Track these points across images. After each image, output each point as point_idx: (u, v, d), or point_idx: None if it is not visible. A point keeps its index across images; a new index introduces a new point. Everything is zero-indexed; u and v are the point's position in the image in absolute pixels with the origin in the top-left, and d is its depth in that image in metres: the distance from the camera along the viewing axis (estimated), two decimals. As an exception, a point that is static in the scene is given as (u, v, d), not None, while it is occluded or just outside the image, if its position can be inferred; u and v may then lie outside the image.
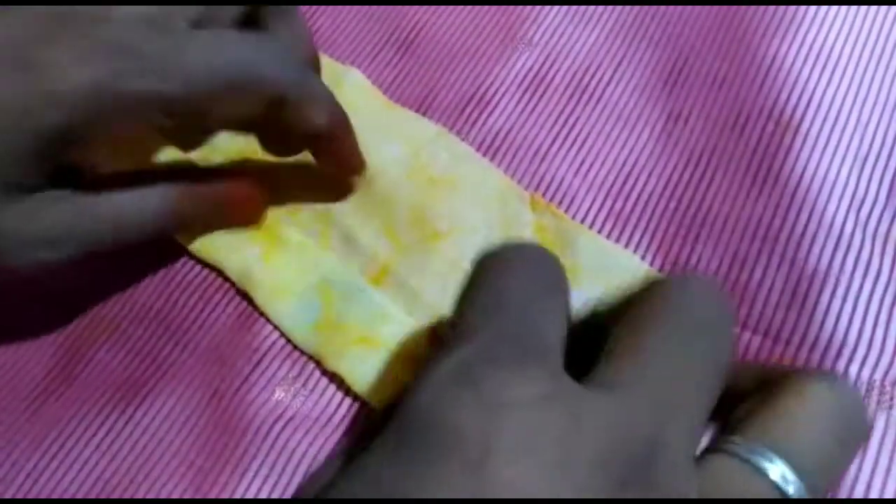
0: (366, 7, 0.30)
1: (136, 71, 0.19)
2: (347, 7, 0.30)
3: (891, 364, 0.21)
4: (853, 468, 0.20)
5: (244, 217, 0.25)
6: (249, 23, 0.23)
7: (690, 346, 0.15)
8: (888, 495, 0.20)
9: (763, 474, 0.14)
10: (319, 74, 0.25)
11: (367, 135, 0.25)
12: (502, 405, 0.13)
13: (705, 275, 0.16)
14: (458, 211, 0.25)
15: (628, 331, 0.15)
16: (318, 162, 0.24)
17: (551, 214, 0.25)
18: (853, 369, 0.21)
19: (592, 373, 0.15)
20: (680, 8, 0.29)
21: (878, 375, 0.21)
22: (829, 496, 0.20)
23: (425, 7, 0.30)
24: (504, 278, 0.16)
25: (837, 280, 0.22)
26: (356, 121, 0.26)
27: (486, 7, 0.30)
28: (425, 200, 0.25)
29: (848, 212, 0.24)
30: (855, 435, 0.15)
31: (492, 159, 0.26)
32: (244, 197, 0.24)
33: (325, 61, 0.28)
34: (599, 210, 0.25)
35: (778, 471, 0.14)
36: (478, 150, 0.27)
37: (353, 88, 0.27)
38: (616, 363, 0.14)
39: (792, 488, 0.14)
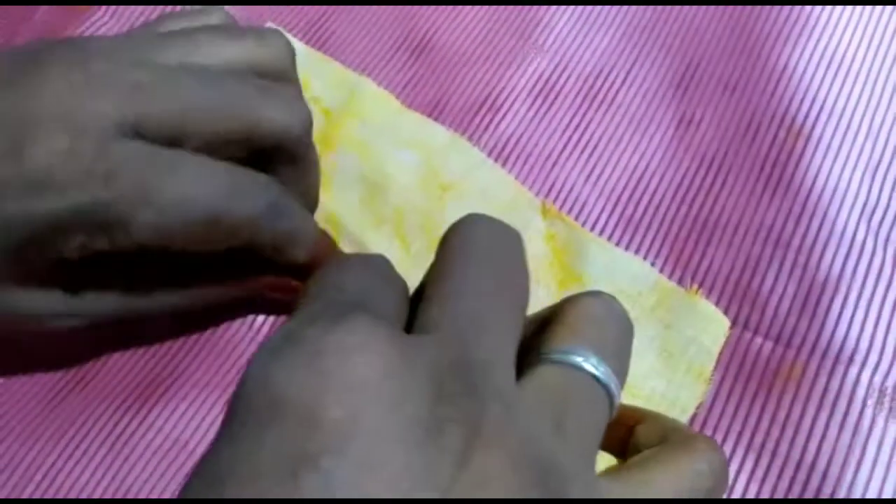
0: (381, 10, 0.31)
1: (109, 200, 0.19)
2: (363, 10, 0.31)
3: (902, 371, 0.21)
4: (864, 475, 0.20)
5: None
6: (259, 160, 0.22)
7: (484, 275, 0.16)
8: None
9: (578, 367, 0.15)
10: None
11: (380, 141, 0.26)
12: (321, 355, 0.13)
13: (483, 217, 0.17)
14: None
15: (432, 277, 0.16)
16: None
17: (562, 222, 0.25)
18: (864, 375, 0.21)
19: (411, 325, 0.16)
20: (691, 12, 0.29)
21: (889, 382, 0.21)
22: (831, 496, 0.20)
23: (440, 10, 0.30)
24: (341, 271, 0.17)
25: (849, 287, 0.23)
26: (369, 129, 0.26)
27: (499, 10, 0.30)
28: (435, 207, 0.25)
29: (860, 219, 0.24)
30: (629, 332, 0.17)
31: (503, 165, 0.27)
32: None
33: (338, 70, 0.28)
34: (611, 215, 0.26)
35: (587, 360, 0.15)
36: (489, 155, 0.27)
37: (365, 97, 0.28)
38: (427, 309, 0.16)
39: (601, 372, 0.16)
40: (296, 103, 0.22)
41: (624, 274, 0.24)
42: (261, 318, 0.25)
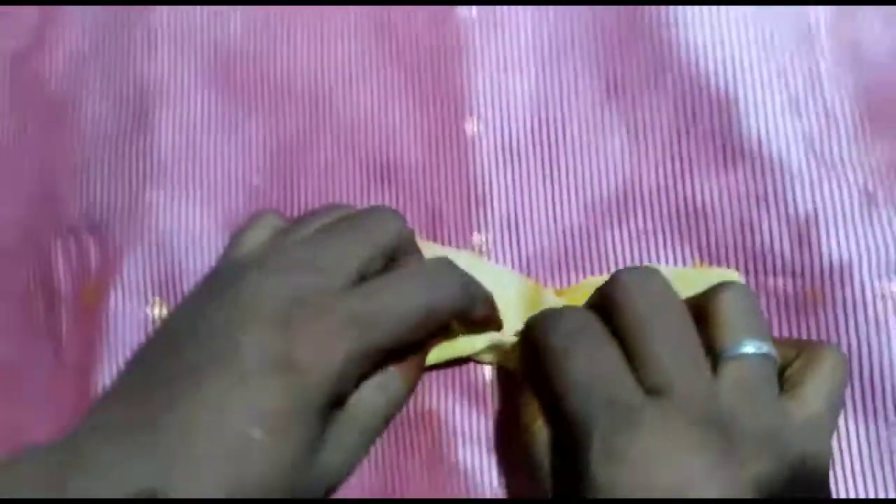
0: (344, 143, 0.33)
1: (367, 331, 0.24)
2: (316, 149, 0.33)
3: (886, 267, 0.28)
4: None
5: None
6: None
7: (671, 330, 0.25)
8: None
9: (749, 356, 0.24)
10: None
11: None
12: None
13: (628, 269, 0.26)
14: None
15: (638, 343, 0.24)
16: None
17: (572, 291, 0.30)
18: (866, 280, 0.28)
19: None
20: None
21: (885, 281, 0.28)
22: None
23: (388, 128, 0.32)
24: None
25: (825, 216, 0.28)
26: None
27: (425, 84, 0.33)
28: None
29: (806, 152, 0.29)
30: (757, 300, 0.26)
31: (517, 246, 0.31)
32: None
33: None
34: (630, 239, 0.30)
35: (754, 347, 0.24)
36: (502, 239, 0.31)
37: None
38: (651, 375, 0.24)
39: (765, 350, 0.24)
40: (465, 280, 0.27)
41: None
42: None
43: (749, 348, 0.24)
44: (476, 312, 0.27)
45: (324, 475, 0.24)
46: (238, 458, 0.22)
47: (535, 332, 0.26)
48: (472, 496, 0.29)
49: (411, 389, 0.27)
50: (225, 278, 0.25)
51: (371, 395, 0.26)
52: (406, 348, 0.26)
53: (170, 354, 0.24)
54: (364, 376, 0.25)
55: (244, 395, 0.22)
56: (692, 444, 0.22)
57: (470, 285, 0.27)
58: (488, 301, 0.28)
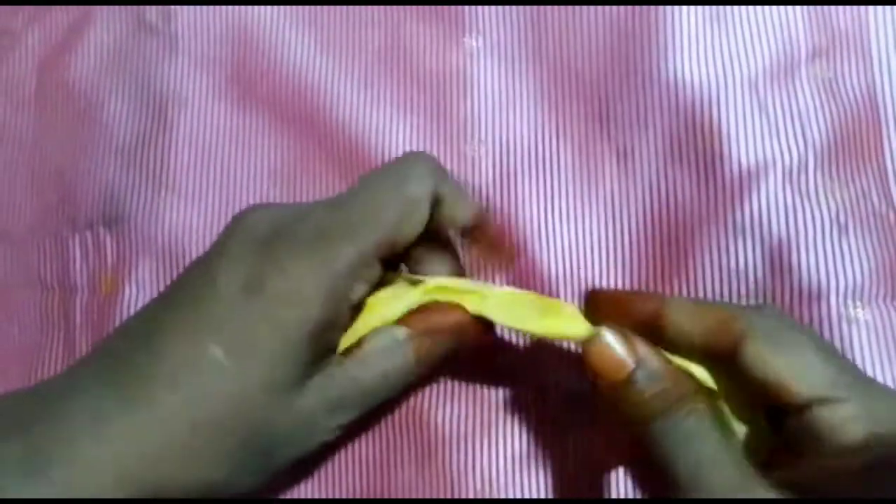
0: (349, 160, 0.34)
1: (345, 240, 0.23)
2: (330, 160, 0.34)
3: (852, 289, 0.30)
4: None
5: (475, 338, 0.27)
6: None
7: None
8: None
9: None
10: None
11: None
12: None
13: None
14: None
15: None
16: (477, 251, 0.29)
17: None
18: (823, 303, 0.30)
19: None
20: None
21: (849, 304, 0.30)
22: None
23: (397, 151, 0.34)
24: None
25: (799, 243, 0.30)
26: None
27: (434, 123, 0.35)
28: None
29: (784, 182, 0.31)
30: None
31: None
32: (469, 321, 0.26)
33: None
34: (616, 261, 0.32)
35: None
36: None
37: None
38: None
39: None
40: (436, 163, 0.27)
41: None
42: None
43: None
44: (464, 202, 0.26)
45: (306, 424, 0.24)
46: (202, 375, 0.22)
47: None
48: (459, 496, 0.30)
49: (423, 363, 0.26)
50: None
51: (375, 356, 0.25)
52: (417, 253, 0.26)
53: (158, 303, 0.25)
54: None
55: (211, 314, 0.22)
56: None
57: (442, 167, 0.26)
58: (469, 195, 0.27)
